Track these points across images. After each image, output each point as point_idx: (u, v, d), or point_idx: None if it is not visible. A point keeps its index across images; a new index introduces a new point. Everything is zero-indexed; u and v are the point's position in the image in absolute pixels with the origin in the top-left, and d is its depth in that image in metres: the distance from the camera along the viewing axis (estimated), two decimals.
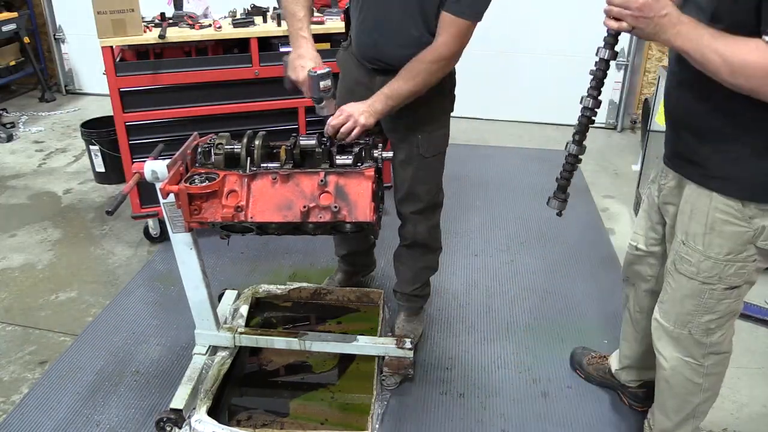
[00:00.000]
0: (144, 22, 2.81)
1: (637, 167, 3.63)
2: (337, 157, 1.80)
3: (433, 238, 2.28)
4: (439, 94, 1.96)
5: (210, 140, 1.84)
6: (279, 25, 2.90)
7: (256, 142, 1.81)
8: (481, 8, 1.79)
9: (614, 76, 4.63)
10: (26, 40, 5.10)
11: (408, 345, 2.10)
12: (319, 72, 1.80)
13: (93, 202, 3.51)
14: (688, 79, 1.44)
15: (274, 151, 1.85)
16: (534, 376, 2.23)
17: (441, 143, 2.09)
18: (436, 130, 2.05)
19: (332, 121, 1.82)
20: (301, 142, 1.82)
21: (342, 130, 1.81)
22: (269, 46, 2.93)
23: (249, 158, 1.80)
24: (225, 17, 3.03)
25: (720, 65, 1.26)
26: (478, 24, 1.81)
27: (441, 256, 2.37)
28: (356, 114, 1.80)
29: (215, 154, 1.81)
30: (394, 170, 2.14)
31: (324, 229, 1.81)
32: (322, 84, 1.80)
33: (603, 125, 4.79)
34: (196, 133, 1.90)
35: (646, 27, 1.35)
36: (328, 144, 1.82)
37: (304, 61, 1.85)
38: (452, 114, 2.11)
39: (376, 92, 1.87)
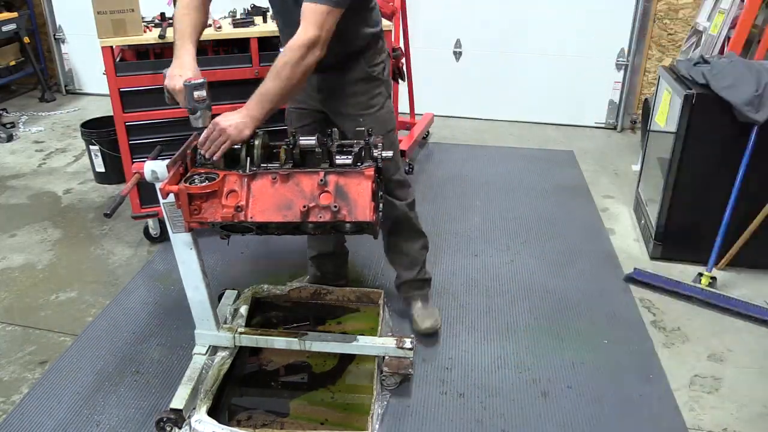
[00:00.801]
0: (144, 22, 2.81)
1: (637, 167, 3.64)
2: (337, 156, 1.80)
3: (413, 216, 2.34)
4: (370, 81, 2.10)
5: None
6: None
7: (256, 142, 1.81)
8: None
9: (614, 76, 4.63)
10: (26, 40, 5.10)
11: (408, 345, 2.10)
12: (193, 82, 1.82)
13: (93, 202, 3.51)
14: None
15: (274, 150, 1.85)
16: (534, 376, 2.23)
17: (385, 124, 2.15)
18: (373, 114, 2.13)
19: (202, 135, 1.81)
20: (301, 142, 1.82)
21: (208, 144, 1.79)
22: (269, 46, 2.93)
23: (249, 158, 1.80)
24: (225, 17, 3.03)
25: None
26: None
27: (441, 256, 2.37)
28: (228, 127, 1.78)
29: None
30: None
31: (324, 228, 1.81)
32: (196, 94, 1.82)
33: (603, 125, 4.79)
34: (196, 133, 1.90)
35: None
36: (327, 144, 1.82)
37: (182, 71, 1.88)
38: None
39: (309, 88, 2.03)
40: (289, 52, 1.79)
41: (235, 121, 1.80)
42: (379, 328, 2.32)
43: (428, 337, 2.38)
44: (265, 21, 3.00)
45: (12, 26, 4.93)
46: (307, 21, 1.78)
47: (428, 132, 4.48)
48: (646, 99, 4.31)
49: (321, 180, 1.73)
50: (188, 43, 1.96)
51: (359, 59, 2.10)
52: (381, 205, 1.90)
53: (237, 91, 2.89)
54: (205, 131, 1.81)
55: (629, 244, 3.12)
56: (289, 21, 1.94)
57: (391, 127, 2.22)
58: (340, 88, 2.12)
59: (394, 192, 2.24)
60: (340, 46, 1.96)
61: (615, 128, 4.77)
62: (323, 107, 2.20)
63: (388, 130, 2.18)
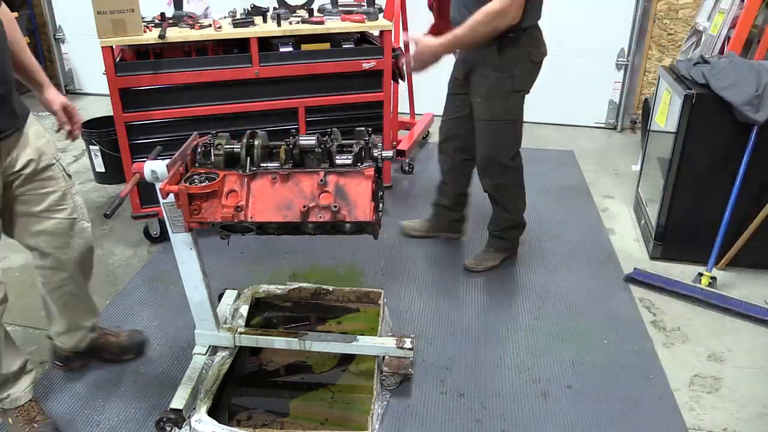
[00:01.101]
0: (144, 22, 2.81)
1: (637, 167, 3.64)
2: (336, 156, 1.80)
3: (502, 194, 2.70)
4: (498, 71, 2.38)
5: (209, 140, 1.84)
6: (279, 25, 2.91)
7: (256, 142, 1.81)
8: None
9: (614, 76, 4.63)
10: (26, 40, 5.10)
11: (408, 345, 2.10)
12: None
13: (93, 202, 3.51)
14: None
15: (274, 150, 1.85)
16: (534, 376, 2.23)
17: (498, 112, 2.47)
18: (491, 100, 2.45)
19: (408, 55, 2.26)
20: (301, 142, 1.82)
21: (416, 60, 2.36)
22: (269, 46, 2.93)
23: (249, 158, 1.80)
24: (225, 17, 3.03)
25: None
26: None
27: (441, 255, 2.37)
28: (430, 46, 2.30)
29: (215, 154, 1.81)
30: None
31: (324, 228, 1.80)
32: None
33: (603, 125, 4.79)
34: (196, 133, 1.90)
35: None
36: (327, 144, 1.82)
37: None
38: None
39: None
40: (481, 14, 2.21)
41: (435, 44, 2.30)
42: (379, 328, 2.32)
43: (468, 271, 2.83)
44: (265, 21, 3.00)
45: None
46: None
47: (428, 132, 4.48)
48: (646, 99, 4.31)
49: (321, 180, 1.73)
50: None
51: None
52: (381, 204, 1.90)
53: (237, 91, 2.91)
54: (412, 52, 2.35)
55: (629, 244, 3.12)
56: None
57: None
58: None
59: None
60: None
61: (615, 128, 4.77)
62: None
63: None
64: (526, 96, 2.52)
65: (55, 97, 2.00)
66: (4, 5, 1.78)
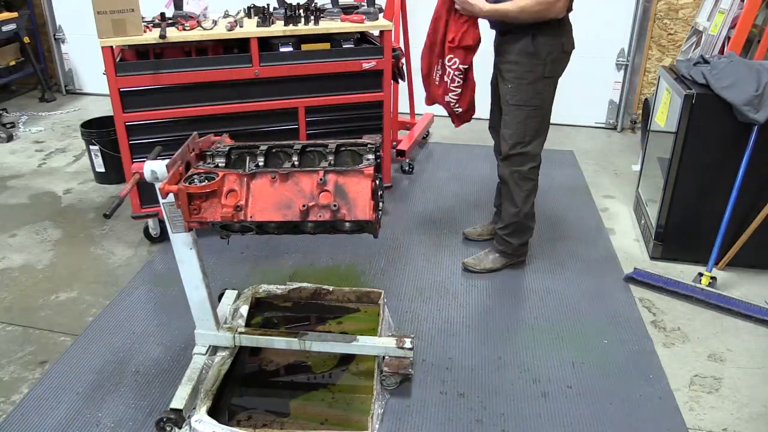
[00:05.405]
0: (144, 22, 2.80)
1: (637, 167, 3.64)
2: (336, 156, 1.80)
3: (515, 184, 2.66)
4: (532, 57, 2.45)
5: (216, 146, 1.86)
6: (285, 24, 2.91)
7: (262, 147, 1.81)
8: None
9: (614, 76, 4.63)
10: (26, 40, 5.10)
11: (408, 345, 2.10)
12: None
13: (93, 202, 3.51)
14: None
15: (274, 150, 1.85)
16: (534, 376, 2.23)
17: (527, 97, 2.52)
18: (522, 85, 2.51)
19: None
20: (301, 142, 1.82)
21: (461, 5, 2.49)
22: (269, 46, 2.93)
23: (248, 157, 1.80)
24: (225, 17, 3.03)
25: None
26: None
27: (441, 256, 2.37)
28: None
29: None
30: None
31: (324, 228, 1.81)
32: None
33: (603, 125, 4.79)
34: (195, 133, 1.90)
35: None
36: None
37: None
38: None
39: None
40: (534, 1, 2.31)
41: (481, 5, 2.43)
42: (379, 328, 2.32)
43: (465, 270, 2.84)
44: (264, 21, 3.00)
45: (12, 26, 4.92)
46: None
47: (428, 132, 4.48)
48: (646, 99, 4.31)
49: (320, 179, 1.73)
50: None
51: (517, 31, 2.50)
52: (381, 203, 1.90)
53: (237, 91, 2.91)
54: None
55: (629, 244, 3.12)
56: None
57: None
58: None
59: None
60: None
61: (615, 128, 4.77)
62: None
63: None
64: None
65: None
66: None
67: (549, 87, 2.56)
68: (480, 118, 4.88)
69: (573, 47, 2.54)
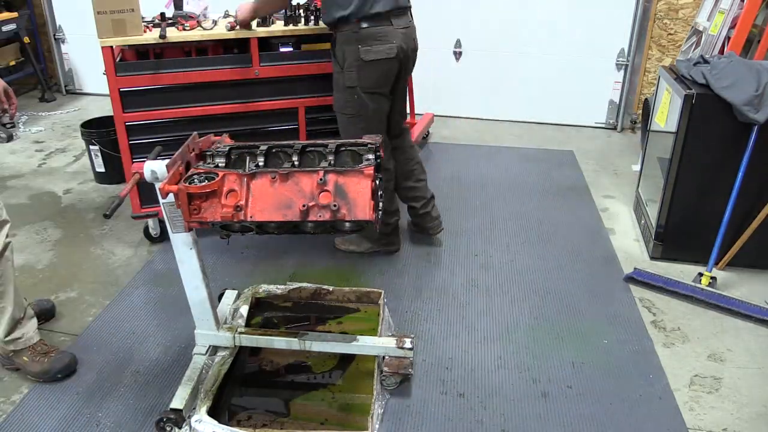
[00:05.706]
0: (144, 22, 2.80)
1: (637, 167, 3.64)
2: (336, 156, 1.80)
3: None
4: (336, 64, 2.53)
5: (216, 146, 1.86)
6: (286, 25, 2.90)
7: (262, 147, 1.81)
8: None
9: (614, 76, 4.63)
10: (26, 40, 5.10)
11: (408, 345, 2.10)
12: None
13: (93, 202, 3.51)
14: None
15: (274, 150, 1.85)
16: (534, 376, 2.23)
17: (339, 104, 2.59)
18: (335, 91, 2.60)
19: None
20: (301, 141, 1.82)
21: None
22: (269, 46, 2.93)
23: (248, 157, 1.80)
24: (225, 17, 3.03)
25: None
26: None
27: (441, 256, 2.36)
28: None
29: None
30: None
31: (324, 228, 1.80)
32: None
33: (603, 125, 4.79)
34: (195, 133, 1.90)
35: None
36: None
37: None
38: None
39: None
40: None
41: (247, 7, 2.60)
42: (379, 328, 2.32)
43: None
44: (264, 21, 3.00)
45: (12, 26, 4.92)
46: None
47: (428, 132, 4.48)
48: (646, 99, 4.31)
49: (320, 179, 1.73)
50: None
51: (332, 35, 2.55)
52: (381, 203, 1.90)
53: (237, 91, 2.91)
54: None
55: (629, 244, 3.12)
56: None
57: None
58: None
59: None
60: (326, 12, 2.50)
61: (615, 128, 4.77)
62: None
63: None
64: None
65: None
66: None
67: (360, 97, 2.48)
68: (479, 118, 4.91)
69: (383, 55, 2.39)
